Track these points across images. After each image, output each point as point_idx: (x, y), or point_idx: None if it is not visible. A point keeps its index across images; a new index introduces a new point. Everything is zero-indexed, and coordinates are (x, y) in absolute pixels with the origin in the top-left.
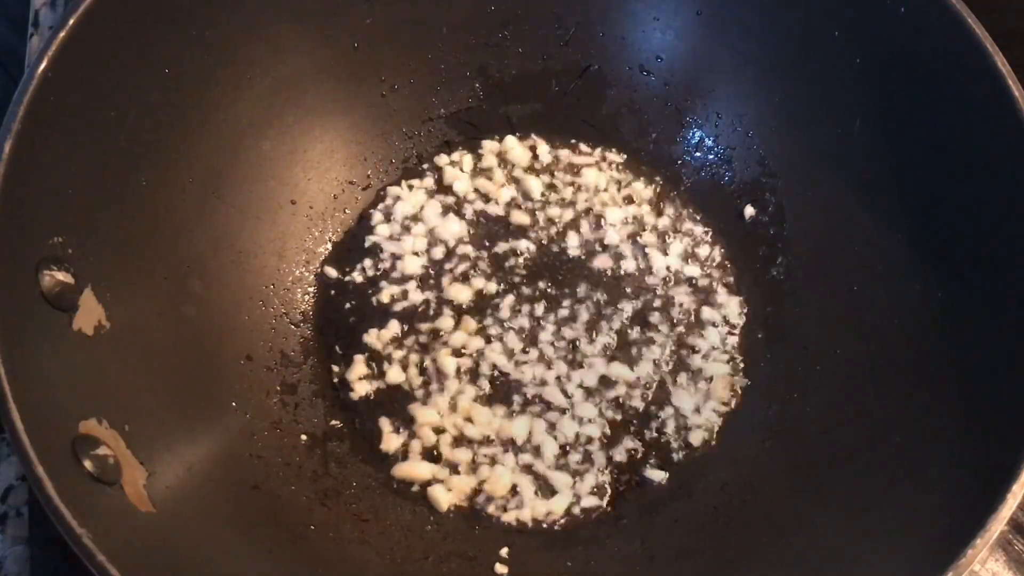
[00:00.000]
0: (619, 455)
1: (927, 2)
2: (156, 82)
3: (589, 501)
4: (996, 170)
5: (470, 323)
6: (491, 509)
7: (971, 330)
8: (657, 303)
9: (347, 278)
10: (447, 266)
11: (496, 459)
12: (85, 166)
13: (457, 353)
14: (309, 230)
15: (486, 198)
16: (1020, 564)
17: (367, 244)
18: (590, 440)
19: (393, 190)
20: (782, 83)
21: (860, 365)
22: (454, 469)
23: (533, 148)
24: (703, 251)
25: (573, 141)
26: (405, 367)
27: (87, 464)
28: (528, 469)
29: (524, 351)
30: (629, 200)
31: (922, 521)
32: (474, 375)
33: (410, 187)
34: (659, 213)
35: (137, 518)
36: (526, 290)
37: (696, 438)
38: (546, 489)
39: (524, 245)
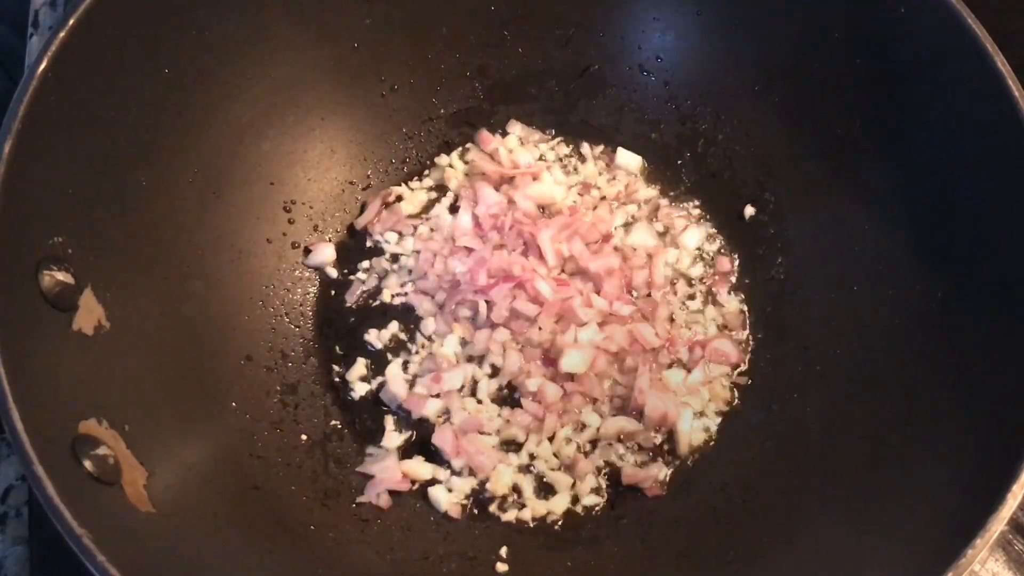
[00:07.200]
0: (619, 455)
1: (927, 2)
2: (156, 82)
3: (589, 501)
4: (996, 170)
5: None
6: (491, 509)
7: (971, 330)
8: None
9: (347, 278)
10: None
11: (497, 459)
12: (85, 166)
13: (458, 353)
14: (309, 230)
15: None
16: (1020, 564)
17: (367, 244)
18: (590, 440)
19: (393, 190)
20: (782, 83)
21: (860, 365)
22: (454, 469)
23: (534, 148)
24: (704, 251)
25: (573, 142)
26: (405, 367)
27: (87, 464)
28: (528, 469)
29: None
30: (629, 200)
31: (922, 521)
32: (475, 375)
33: (410, 187)
34: (659, 213)
35: (137, 518)
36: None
37: (696, 438)
38: (546, 489)
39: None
